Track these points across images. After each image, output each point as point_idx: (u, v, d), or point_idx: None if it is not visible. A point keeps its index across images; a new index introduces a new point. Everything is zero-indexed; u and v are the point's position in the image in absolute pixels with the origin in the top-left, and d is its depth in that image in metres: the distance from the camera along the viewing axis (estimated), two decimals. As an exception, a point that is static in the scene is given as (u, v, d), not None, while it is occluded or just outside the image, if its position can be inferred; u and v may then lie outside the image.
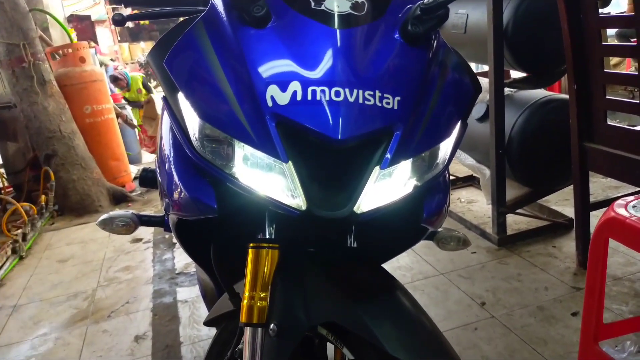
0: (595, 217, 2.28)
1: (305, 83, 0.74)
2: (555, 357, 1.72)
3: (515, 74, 2.88)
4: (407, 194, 0.80)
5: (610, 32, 5.01)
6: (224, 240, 0.98)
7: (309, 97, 0.73)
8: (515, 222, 2.78)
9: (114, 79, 5.36)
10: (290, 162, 0.73)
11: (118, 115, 4.78)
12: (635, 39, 1.75)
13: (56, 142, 3.78)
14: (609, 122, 1.98)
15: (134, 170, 4.67)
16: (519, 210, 2.70)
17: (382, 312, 0.79)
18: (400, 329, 0.78)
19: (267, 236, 0.85)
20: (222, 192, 0.82)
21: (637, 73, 1.82)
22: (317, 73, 0.74)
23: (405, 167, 0.79)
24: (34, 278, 2.80)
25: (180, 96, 0.81)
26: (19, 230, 3.25)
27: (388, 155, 0.76)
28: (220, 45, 0.79)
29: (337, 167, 0.77)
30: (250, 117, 0.74)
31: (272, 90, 0.74)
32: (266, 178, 0.76)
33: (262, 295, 0.82)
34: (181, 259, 2.84)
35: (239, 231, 0.92)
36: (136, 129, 5.47)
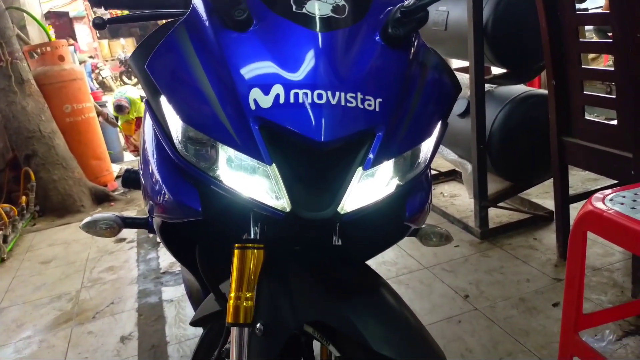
0: (575, 210, 2.31)
1: (288, 86, 0.74)
2: (537, 348, 1.76)
3: (496, 70, 2.92)
4: (390, 193, 0.82)
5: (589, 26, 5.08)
6: (209, 241, 0.99)
7: (292, 100, 0.74)
8: (497, 215, 2.82)
9: (119, 108, 5.30)
10: (274, 164, 0.74)
11: (99, 113, 4.72)
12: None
13: (36, 142, 3.72)
14: (586, 117, 2.02)
15: (115, 169, 4.63)
16: (500, 204, 2.73)
17: (366, 310, 0.81)
18: (384, 326, 0.80)
19: (252, 236, 0.85)
20: (206, 194, 0.83)
21: (613, 69, 1.86)
22: (300, 76, 0.75)
23: (387, 167, 0.80)
24: (16, 280, 2.77)
25: (163, 99, 0.81)
26: (0, 232, 3.21)
27: (370, 156, 0.77)
28: (202, 49, 0.79)
29: (321, 168, 0.78)
30: (234, 120, 0.74)
31: (255, 94, 0.74)
32: (250, 180, 0.76)
33: (248, 295, 0.83)
34: (166, 258, 2.83)
35: (224, 232, 0.93)
36: (118, 128, 5.43)
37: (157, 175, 0.87)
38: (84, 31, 15.66)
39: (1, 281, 2.78)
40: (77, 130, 4.10)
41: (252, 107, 0.74)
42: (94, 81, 11.51)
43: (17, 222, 3.45)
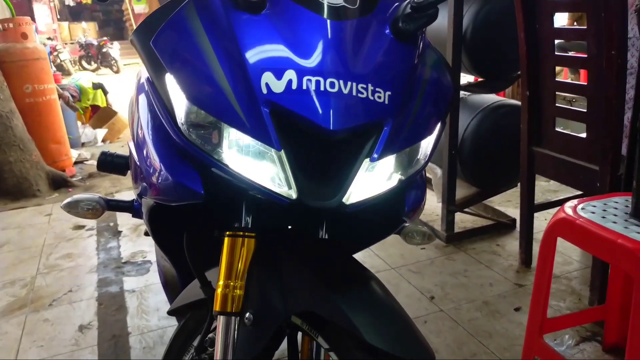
0: (537, 219, 2.40)
1: (301, 72, 0.74)
2: (500, 350, 1.80)
3: (466, 79, 2.98)
4: (392, 187, 0.82)
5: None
6: (198, 228, 0.97)
7: (304, 87, 0.73)
8: (462, 220, 2.88)
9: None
10: (282, 151, 0.73)
11: (60, 96, 4.55)
12: (575, 52, 1.86)
13: (-8, 121, 3.56)
14: (556, 129, 2.09)
15: (74, 154, 4.48)
16: (466, 209, 2.79)
17: (359, 302, 0.81)
18: (377, 319, 0.80)
19: (243, 225, 0.84)
20: (204, 178, 0.81)
21: (586, 83, 1.93)
22: (312, 63, 0.75)
23: (390, 161, 0.81)
24: (-34, 264, 2.64)
25: (168, 77, 0.78)
26: (-51, 213, 3.05)
27: (378, 149, 0.77)
28: (212, 28, 0.77)
29: (327, 158, 0.78)
30: (244, 103, 0.73)
31: (267, 78, 0.73)
32: (255, 165, 0.75)
33: (237, 284, 0.82)
34: (127, 247, 2.75)
35: (215, 219, 0.91)
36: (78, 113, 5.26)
37: (154, 156, 0.85)
38: (43, 11, 15.08)
39: (-51, 264, 2.64)
40: (37, 111, 3.94)
41: (264, 91, 0.73)
42: (52, 64, 11.09)
43: (-32, 204, 3.29)
